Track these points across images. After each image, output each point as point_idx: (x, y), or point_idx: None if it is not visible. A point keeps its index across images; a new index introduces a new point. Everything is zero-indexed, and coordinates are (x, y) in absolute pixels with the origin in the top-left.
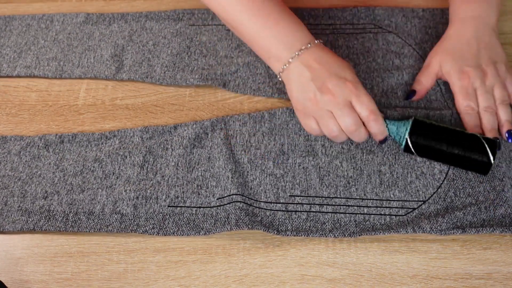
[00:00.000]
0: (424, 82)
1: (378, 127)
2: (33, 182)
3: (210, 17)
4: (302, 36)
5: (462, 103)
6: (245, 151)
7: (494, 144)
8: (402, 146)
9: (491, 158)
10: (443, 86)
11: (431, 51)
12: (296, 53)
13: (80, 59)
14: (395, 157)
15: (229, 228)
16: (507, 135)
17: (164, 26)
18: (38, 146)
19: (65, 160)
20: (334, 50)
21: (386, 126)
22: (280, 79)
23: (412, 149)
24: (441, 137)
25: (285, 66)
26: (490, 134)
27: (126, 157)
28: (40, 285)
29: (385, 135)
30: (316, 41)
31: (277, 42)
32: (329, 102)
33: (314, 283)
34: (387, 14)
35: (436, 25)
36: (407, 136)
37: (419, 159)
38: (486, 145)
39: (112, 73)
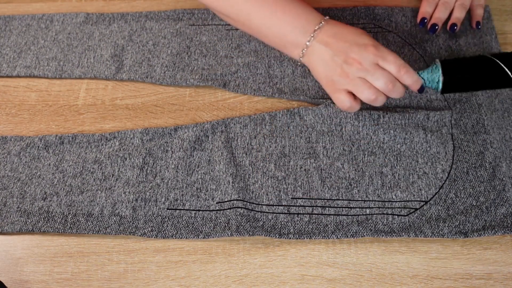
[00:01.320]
0: (430, 11)
1: (411, 78)
2: (33, 183)
3: (210, 17)
4: (312, 17)
5: None
6: (246, 154)
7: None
8: (440, 89)
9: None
10: None
11: None
12: (311, 35)
13: (80, 59)
14: (396, 159)
15: (229, 233)
16: (450, 27)
17: (164, 26)
18: (38, 147)
19: (64, 161)
20: None
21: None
22: (301, 63)
23: (449, 87)
24: (470, 68)
25: (304, 51)
26: (432, 20)
27: (126, 159)
28: (40, 285)
29: (420, 83)
30: (325, 18)
31: (290, 29)
32: (359, 70)
33: (314, 283)
34: (387, 14)
35: None
36: (441, 78)
37: (420, 160)
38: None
39: (112, 73)
